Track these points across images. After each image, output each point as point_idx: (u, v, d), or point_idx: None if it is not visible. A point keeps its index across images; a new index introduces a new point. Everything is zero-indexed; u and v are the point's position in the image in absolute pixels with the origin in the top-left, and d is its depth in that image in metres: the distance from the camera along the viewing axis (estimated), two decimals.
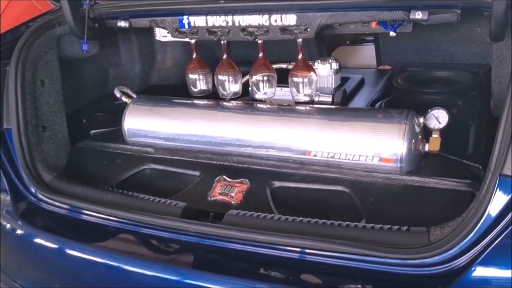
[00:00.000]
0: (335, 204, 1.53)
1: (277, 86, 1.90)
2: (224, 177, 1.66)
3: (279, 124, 1.70)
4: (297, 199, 1.58)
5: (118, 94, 1.98)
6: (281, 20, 1.60)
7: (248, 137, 1.71)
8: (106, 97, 2.33)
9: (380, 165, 1.54)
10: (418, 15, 1.47)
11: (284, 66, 1.96)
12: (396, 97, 2.15)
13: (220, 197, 1.59)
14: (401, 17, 1.49)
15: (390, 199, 1.48)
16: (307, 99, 1.77)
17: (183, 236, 1.42)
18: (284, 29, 1.62)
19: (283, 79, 1.86)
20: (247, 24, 1.65)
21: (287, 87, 1.84)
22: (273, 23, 1.62)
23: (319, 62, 1.92)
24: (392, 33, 1.67)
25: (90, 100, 2.30)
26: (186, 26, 1.74)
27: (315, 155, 1.62)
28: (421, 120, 1.55)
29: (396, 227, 1.30)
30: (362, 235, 1.30)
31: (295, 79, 1.75)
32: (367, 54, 2.80)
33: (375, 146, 1.53)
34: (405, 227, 1.30)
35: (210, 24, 1.70)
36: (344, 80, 2.44)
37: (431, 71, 2.43)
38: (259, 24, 1.63)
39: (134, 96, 2.02)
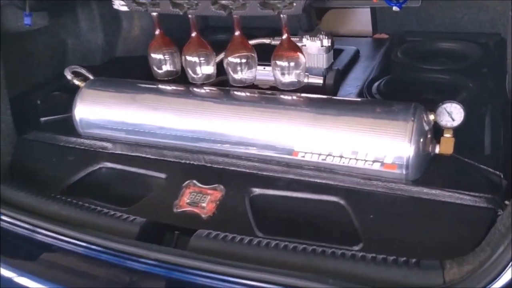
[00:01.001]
0: (328, 219, 1.27)
1: (260, 65, 1.60)
2: (194, 181, 1.38)
3: (261, 116, 1.40)
4: (282, 211, 1.31)
5: (69, 76, 1.67)
6: None
7: (224, 131, 1.42)
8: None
9: (381, 171, 1.27)
10: None
11: (267, 41, 1.65)
12: (396, 75, 1.86)
13: (189, 208, 1.32)
14: None
15: (393, 216, 1.22)
16: (293, 87, 1.48)
17: (141, 264, 1.16)
18: (265, 2, 1.31)
19: (267, 56, 1.57)
20: None
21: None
22: None
23: (308, 38, 1.61)
24: (395, 8, 1.36)
25: (44, 79, 1.98)
26: None
27: (303, 156, 1.34)
28: (431, 117, 1.27)
29: (403, 259, 1.05)
30: (361, 270, 1.04)
31: (279, 62, 1.45)
32: (362, 19, 2.48)
33: (376, 148, 1.26)
34: (414, 260, 1.04)
35: None
36: (337, 52, 2.14)
37: (435, 42, 2.13)
38: None
39: (91, 77, 1.72)
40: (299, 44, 1.60)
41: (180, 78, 1.64)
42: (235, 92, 1.50)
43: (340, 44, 2.28)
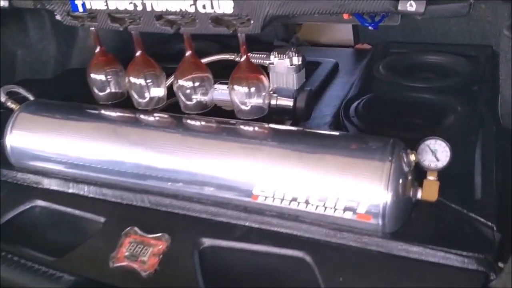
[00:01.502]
0: (290, 279, 1.07)
1: (221, 83, 1.40)
2: (136, 229, 1.17)
3: (216, 151, 1.20)
4: (236, 268, 1.11)
5: (3, 98, 1.45)
6: (212, 7, 1.08)
7: (172, 167, 1.22)
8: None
9: (353, 221, 1.07)
10: (411, 6, 0.97)
11: (230, 57, 1.45)
12: (377, 95, 1.66)
13: (127, 263, 1.11)
14: (385, 8, 0.99)
15: (366, 278, 1.02)
16: (255, 115, 1.27)
17: None
18: (217, 18, 1.11)
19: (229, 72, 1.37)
20: (164, 10, 1.12)
21: None
22: (201, 10, 1.10)
23: (276, 55, 1.40)
24: (371, 28, 1.16)
25: None
26: (81, 9, 1.20)
27: (264, 200, 1.14)
28: (412, 157, 1.07)
29: None
30: None
31: (236, 87, 1.25)
32: (343, 28, 2.28)
33: (347, 193, 1.06)
34: None
35: (112, 7, 1.16)
36: (313, 65, 1.95)
37: (420, 55, 1.94)
38: (180, 10, 1.11)
39: (31, 97, 1.50)
40: (266, 62, 1.41)
41: (127, 101, 1.43)
42: (188, 121, 1.29)
43: (319, 55, 2.09)
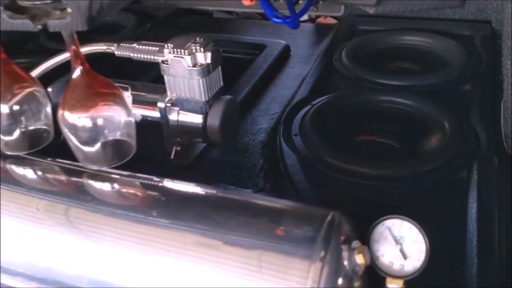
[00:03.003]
0: None
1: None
2: None
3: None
4: None
5: None
6: None
7: None
8: None
9: None
10: None
11: (101, 48, 0.96)
12: (334, 98, 1.19)
13: None
14: None
15: None
16: (108, 164, 0.79)
17: None
18: (15, 3, 0.62)
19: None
20: None
21: None
22: None
23: (171, 49, 0.92)
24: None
25: None
26: None
27: None
28: (359, 258, 0.61)
29: None
30: None
31: (69, 118, 0.76)
32: None
33: None
34: None
35: None
36: (255, 47, 1.48)
37: (397, 36, 1.46)
38: None
39: None
40: (158, 59, 0.94)
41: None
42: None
43: (266, 34, 1.61)
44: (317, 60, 1.41)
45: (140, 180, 0.79)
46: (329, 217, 0.63)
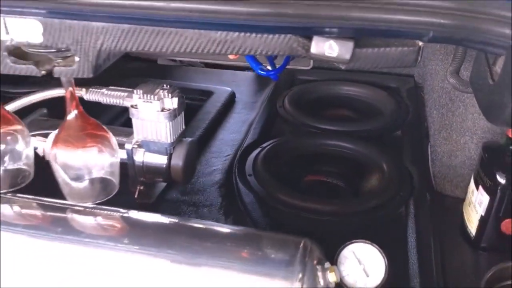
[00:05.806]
0: None
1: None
2: None
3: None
4: None
5: None
6: (7, 31, 0.65)
7: None
8: None
9: None
10: (331, 49, 0.60)
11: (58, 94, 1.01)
12: (282, 141, 1.30)
13: None
14: (291, 50, 0.62)
15: None
16: (94, 199, 0.84)
17: None
18: (20, 50, 0.67)
19: None
20: None
21: None
22: None
23: (141, 95, 0.99)
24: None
25: None
26: None
27: None
28: (331, 276, 0.70)
29: None
30: None
31: (60, 158, 0.81)
32: None
33: None
34: None
35: None
36: (203, 94, 1.56)
37: (332, 86, 1.61)
38: None
39: None
40: (127, 104, 1.00)
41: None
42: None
43: (212, 81, 1.70)
44: (262, 106, 1.52)
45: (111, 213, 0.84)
46: (302, 243, 0.71)
